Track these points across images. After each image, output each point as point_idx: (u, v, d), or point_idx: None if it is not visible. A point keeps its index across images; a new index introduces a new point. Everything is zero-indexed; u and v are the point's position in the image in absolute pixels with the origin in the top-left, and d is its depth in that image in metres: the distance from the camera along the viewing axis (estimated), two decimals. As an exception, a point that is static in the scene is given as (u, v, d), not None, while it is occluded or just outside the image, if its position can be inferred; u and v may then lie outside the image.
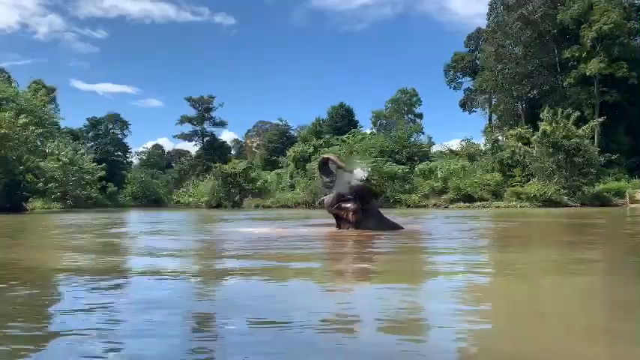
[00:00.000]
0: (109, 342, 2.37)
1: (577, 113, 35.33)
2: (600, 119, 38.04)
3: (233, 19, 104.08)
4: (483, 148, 43.73)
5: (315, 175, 42.38)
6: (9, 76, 49.73)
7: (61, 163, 40.27)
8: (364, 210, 9.13)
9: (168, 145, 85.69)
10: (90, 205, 43.73)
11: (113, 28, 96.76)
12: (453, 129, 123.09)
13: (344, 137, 44.13)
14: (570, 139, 33.24)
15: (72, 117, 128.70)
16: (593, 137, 37.96)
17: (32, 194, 36.75)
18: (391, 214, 11.78)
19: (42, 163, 37.20)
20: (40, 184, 36.17)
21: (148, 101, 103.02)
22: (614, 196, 33.72)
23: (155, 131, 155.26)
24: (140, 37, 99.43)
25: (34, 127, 34.60)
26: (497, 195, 35.73)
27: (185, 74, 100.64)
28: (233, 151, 75.87)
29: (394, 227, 9.63)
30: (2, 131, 30.75)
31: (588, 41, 40.93)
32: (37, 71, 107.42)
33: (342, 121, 57.72)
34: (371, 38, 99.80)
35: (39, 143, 37.79)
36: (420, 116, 64.88)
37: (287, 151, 52.34)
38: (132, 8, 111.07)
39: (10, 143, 31.63)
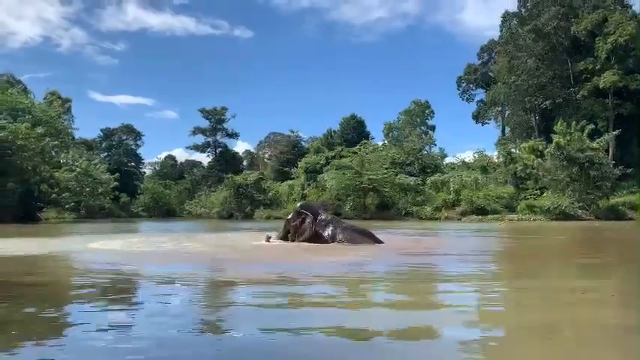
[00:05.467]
0: None
1: (591, 126, 35.05)
2: (615, 132, 37.64)
3: (251, 32, 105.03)
4: (496, 161, 43.45)
5: (327, 185, 42.50)
6: (25, 88, 50.49)
7: (75, 173, 40.67)
8: (321, 220, 10.70)
9: (183, 156, 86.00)
10: (103, 215, 44.09)
11: (133, 41, 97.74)
12: (465, 141, 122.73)
13: (355, 149, 44.09)
14: (584, 152, 32.88)
15: (90, 128, 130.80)
16: (607, 150, 37.54)
17: (46, 204, 37.09)
18: (396, 227, 11.77)
19: (56, 174, 37.57)
20: (54, 195, 36.51)
21: (163, 113, 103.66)
22: (629, 210, 33.21)
23: (170, 142, 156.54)
24: (159, 49, 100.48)
25: (49, 138, 34.97)
26: (510, 208, 35.37)
27: (201, 86, 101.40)
28: (245, 162, 76.05)
29: (368, 240, 10.31)
30: (19, 142, 31.17)
31: (603, 53, 40.61)
32: (56, 83, 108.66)
33: (354, 132, 57.69)
34: (383, 50, 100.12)
35: (53, 154, 38.15)
36: (433, 128, 64.63)
37: (298, 163, 52.47)
38: (154, 21, 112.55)
39: (25, 154, 32.00)
